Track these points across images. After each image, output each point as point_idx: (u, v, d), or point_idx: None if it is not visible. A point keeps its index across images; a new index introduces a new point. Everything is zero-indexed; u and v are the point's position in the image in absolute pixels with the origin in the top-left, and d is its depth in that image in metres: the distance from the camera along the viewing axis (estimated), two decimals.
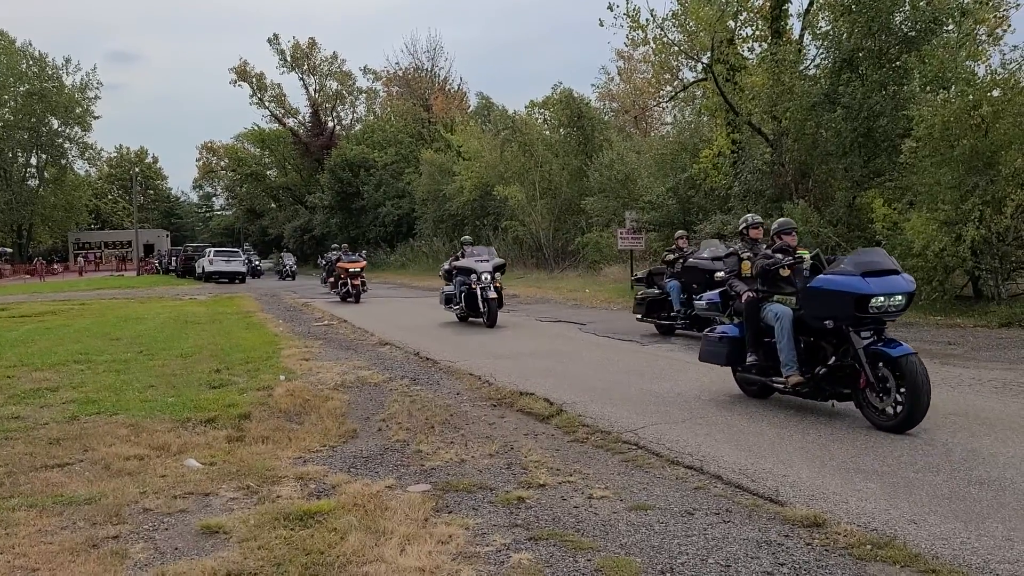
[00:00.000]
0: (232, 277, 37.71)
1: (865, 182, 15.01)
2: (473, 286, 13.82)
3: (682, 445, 5.54)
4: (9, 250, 59.32)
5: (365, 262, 22.39)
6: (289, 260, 42.75)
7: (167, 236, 74.98)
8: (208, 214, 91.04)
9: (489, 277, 13.71)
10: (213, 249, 42.12)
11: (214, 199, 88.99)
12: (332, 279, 22.67)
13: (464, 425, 6.43)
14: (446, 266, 15.81)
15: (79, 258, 60.99)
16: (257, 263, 48.37)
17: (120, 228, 77.17)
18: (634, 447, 5.58)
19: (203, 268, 39.54)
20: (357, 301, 20.54)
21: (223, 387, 8.02)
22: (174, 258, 50.44)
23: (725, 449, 5.41)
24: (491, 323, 13.53)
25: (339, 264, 21.52)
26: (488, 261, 14.10)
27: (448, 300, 14.97)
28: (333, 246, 29.88)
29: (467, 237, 16.63)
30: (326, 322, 15.86)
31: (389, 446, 5.85)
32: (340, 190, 51.46)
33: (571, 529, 4.01)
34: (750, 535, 3.87)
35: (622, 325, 13.36)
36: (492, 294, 13.61)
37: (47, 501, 4.51)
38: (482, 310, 13.66)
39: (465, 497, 4.58)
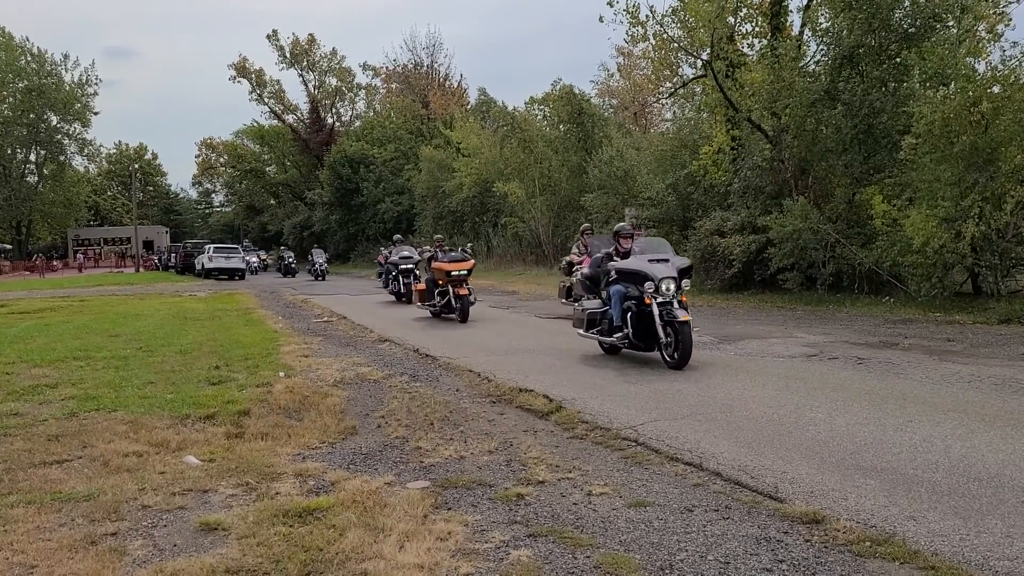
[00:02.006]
0: (232, 274, 37.69)
1: (865, 178, 15.01)
2: (647, 301, 8.62)
3: (681, 442, 5.54)
4: (9, 247, 59.31)
5: (473, 261, 15.53)
6: (320, 258, 36.97)
7: (166, 233, 74.95)
8: (207, 210, 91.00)
9: (674, 287, 8.59)
10: (213, 246, 42.06)
11: (213, 195, 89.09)
12: (421, 286, 15.94)
13: (463, 422, 6.43)
14: (586, 270, 10.66)
15: (78, 254, 60.93)
16: (291, 260, 41.67)
17: (119, 224, 77.17)
18: (633, 443, 5.58)
19: (202, 265, 39.53)
20: (464, 320, 14.15)
21: (222, 384, 8.02)
22: (174, 255, 50.39)
23: (724, 445, 5.41)
24: (681, 362, 8.41)
25: (435, 265, 14.92)
26: (669, 262, 8.94)
27: (591, 322, 9.77)
28: (396, 237, 22.26)
29: (624, 225, 10.52)
30: (325, 319, 15.86)
31: (388, 443, 5.84)
32: (340, 186, 51.48)
33: (570, 526, 4.01)
34: (749, 532, 3.87)
35: None
36: (681, 314, 8.44)
37: (45, 498, 4.50)
38: (663, 339, 8.52)
39: (464, 494, 4.58)
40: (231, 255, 39.25)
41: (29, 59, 58.44)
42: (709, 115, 21.39)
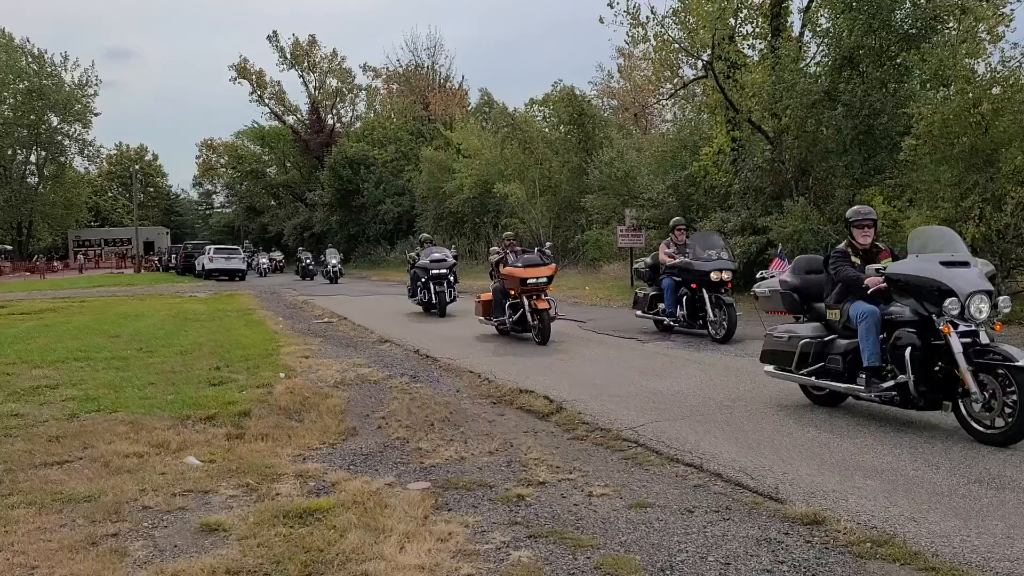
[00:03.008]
0: (232, 274, 37.73)
1: (865, 180, 15.00)
2: (945, 329, 5.48)
3: (681, 442, 5.54)
4: (9, 247, 59.35)
5: (555, 266, 12.37)
6: (333, 259, 34.04)
7: (167, 233, 74.95)
8: (208, 211, 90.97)
9: (986, 308, 5.53)
10: (213, 247, 42.06)
11: (214, 196, 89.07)
12: (486, 296, 12.85)
13: (464, 423, 6.43)
14: (787, 276, 7.50)
15: (79, 255, 60.99)
16: (309, 262, 38.66)
17: (120, 225, 77.13)
18: (634, 444, 5.58)
19: (203, 265, 39.57)
20: (544, 341, 11.08)
21: (223, 384, 8.02)
22: (174, 255, 50.38)
23: (725, 446, 5.41)
24: (1014, 436, 5.19)
25: (506, 270, 11.83)
26: (970, 267, 5.80)
27: (804, 356, 6.49)
28: (422, 237, 19.49)
29: (862, 208, 7.40)
30: (326, 320, 15.86)
31: (389, 444, 5.84)
32: (340, 187, 51.49)
33: (571, 527, 4.01)
34: (750, 533, 3.87)
35: (621, 322, 13.34)
36: (1021, 355, 5.28)
37: (46, 499, 4.50)
38: (974, 393, 5.35)
39: (465, 495, 4.58)
40: (231, 256, 39.32)
41: (29, 60, 58.38)
42: (709, 116, 21.38)
